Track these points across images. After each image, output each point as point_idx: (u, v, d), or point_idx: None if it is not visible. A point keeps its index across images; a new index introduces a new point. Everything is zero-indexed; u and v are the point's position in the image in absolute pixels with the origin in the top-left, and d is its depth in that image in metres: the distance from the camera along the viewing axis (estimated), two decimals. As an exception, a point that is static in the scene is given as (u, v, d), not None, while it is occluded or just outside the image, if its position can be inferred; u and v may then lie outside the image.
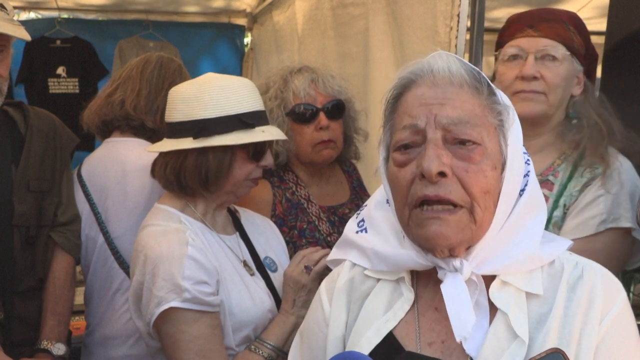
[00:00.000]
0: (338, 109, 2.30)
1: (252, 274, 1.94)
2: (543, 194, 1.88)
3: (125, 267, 2.26)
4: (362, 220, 1.39)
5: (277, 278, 2.00)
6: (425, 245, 1.16)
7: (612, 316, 1.13)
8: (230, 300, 1.82)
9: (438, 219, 1.11)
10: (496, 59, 2.07)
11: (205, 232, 1.89)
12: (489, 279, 1.18)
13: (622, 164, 1.88)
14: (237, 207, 2.13)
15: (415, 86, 1.19)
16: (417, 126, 1.14)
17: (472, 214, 1.12)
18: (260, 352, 1.82)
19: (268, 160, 1.92)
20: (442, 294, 1.17)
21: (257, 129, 1.85)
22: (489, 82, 1.18)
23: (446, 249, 1.15)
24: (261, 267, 1.99)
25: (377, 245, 1.29)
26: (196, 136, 1.81)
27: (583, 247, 1.75)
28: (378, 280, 1.29)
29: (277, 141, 2.30)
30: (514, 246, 1.17)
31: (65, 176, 2.33)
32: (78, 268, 2.41)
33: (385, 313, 1.24)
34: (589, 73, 2.02)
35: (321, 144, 2.29)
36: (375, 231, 1.34)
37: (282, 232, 2.22)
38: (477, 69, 1.19)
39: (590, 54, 2.00)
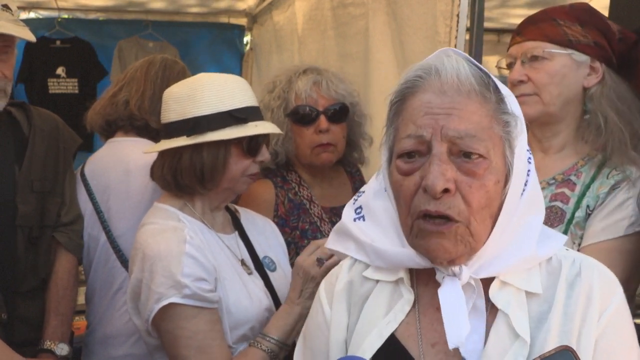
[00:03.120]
0: (340, 113, 2.29)
1: (250, 273, 1.95)
2: (564, 193, 1.87)
3: (127, 266, 2.26)
4: (360, 207, 1.38)
5: (275, 278, 2.01)
6: (426, 256, 1.16)
7: (610, 312, 1.14)
8: (228, 299, 1.83)
9: (438, 232, 1.11)
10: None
11: (204, 230, 1.90)
12: (487, 280, 1.18)
13: None
14: (238, 207, 2.13)
15: (422, 91, 1.15)
16: (422, 137, 1.13)
17: (469, 228, 1.12)
18: (262, 346, 1.81)
19: (264, 155, 1.93)
20: None
21: (250, 123, 1.86)
22: (498, 86, 1.16)
23: (446, 261, 1.15)
24: (260, 267, 2.00)
25: (376, 241, 1.28)
26: (189, 134, 1.83)
27: (613, 248, 1.77)
28: (377, 281, 1.28)
29: (277, 141, 2.30)
30: (513, 249, 1.17)
31: (68, 176, 2.33)
32: (80, 268, 2.41)
33: (385, 315, 1.23)
34: (626, 58, 1.93)
35: (320, 147, 2.28)
36: (373, 221, 1.33)
37: (284, 232, 2.22)
38: (487, 72, 1.16)
39: (610, 39, 1.89)
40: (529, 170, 1.20)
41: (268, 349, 1.81)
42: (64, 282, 2.26)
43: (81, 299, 2.48)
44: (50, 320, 2.21)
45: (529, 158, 1.21)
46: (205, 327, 1.75)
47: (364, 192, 1.40)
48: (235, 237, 2.01)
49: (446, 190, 1.10)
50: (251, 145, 1.89)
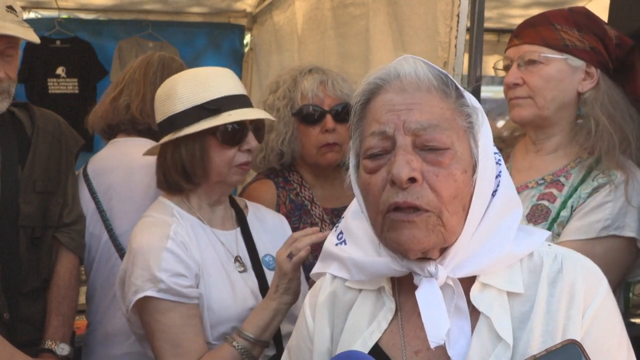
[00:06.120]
0: (346, 113, 2.29)
1: (244, 271, 1.95)
2: (552, 193, 1.88)
3: (129, 265, 2.27)
4: (341, 232, 1.39)
5: (274, 276, 2.01)
6: (398, 249, 1.15)
7: (595, 308, 1.13)
8: (210, 296, 1.85)
9: (408, 221, 1.11)
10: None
11: (196, 226, 1.92)
12: (468, 282, 1.18)
13: (636, 175, 1.85)
14: (249, 203, 2.13)
15: (383, 92, 1.17)
16: (385, 132, 1.14)
17: (440, 218, 1.12)
18: (235, 343, 1.81)
19: (251, 143, 1.91)
20: None
21: (224, 113, 1.86)
22: (457, 84, 1.18)
23: (419, 252, 1.15)
24: (258, 265, 2.00)
25: (355, 255, 1.29)
26: (168, 132, 1.87)
27: (581, 248, 1.71)
28: (360, 291, 1.28)
29: (283, 140, 2.31)
30: (489, 247, 1.17)
31: (70, 177, 2.34)
32: (80, 268, 2.42)
33: (369, 324, 1.24)
34: (622, 63, 1.94)
35: (326, 146, 2.29)
36: (353, 242, 1.33)
37: (284, 233, 2.22)
38: (445, 72, 1.18)
39: (607, 44, 1.91)
40: (500, 172, 1.20)
41: (239, 345, 1.81)
42: (65, 282, 2.27)
43: (82, 299, 2.49)
44: (51, 320, 2.22)
45: (499, 160, 1.22)
46: (179, 321, 1.78)
47: (343, 217, 1.41)
48: (235, 233, 2.01)
49: (413, 180, 1.10)
50: (227, 135, 1.87)
